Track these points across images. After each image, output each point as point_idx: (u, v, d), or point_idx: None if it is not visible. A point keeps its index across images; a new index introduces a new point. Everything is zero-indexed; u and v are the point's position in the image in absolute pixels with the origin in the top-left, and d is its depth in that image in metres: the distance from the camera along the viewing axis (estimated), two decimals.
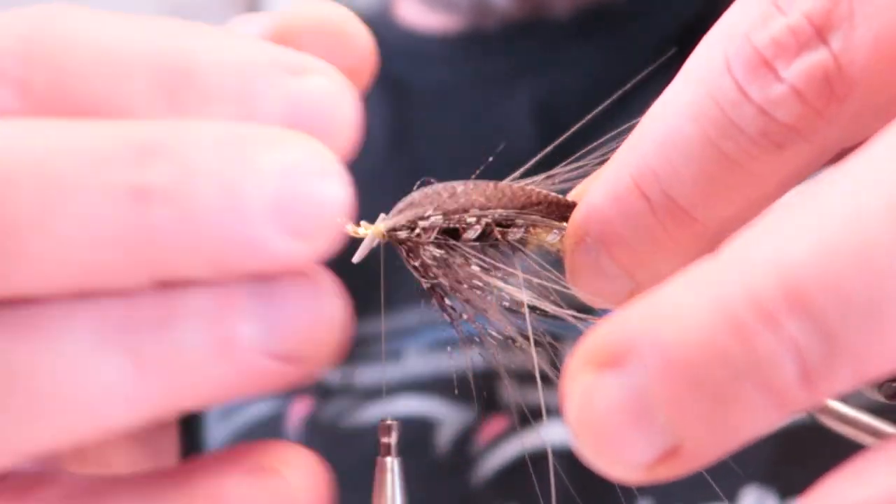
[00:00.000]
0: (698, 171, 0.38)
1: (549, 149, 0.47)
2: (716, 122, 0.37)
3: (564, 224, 0.47)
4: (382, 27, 0.97)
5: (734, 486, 0.73)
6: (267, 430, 0.82)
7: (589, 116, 0.47)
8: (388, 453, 0.48)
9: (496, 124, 0.86)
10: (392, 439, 0.48)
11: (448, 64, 0.94)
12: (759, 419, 0.30)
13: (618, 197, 0.40)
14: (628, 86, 0.49)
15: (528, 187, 0.48)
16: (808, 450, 0.73)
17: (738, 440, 0.31)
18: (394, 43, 0.95)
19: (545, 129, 0.88)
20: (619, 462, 0.32)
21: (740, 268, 0.30)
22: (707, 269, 0.30)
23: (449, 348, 0.80)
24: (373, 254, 0.52)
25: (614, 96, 0.49)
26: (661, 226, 0.39)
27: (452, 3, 0.92)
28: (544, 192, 0.49)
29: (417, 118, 0.93)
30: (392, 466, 0.48)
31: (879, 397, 0.50)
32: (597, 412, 0.31)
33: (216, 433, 0.85)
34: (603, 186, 0.41)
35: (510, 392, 0.78)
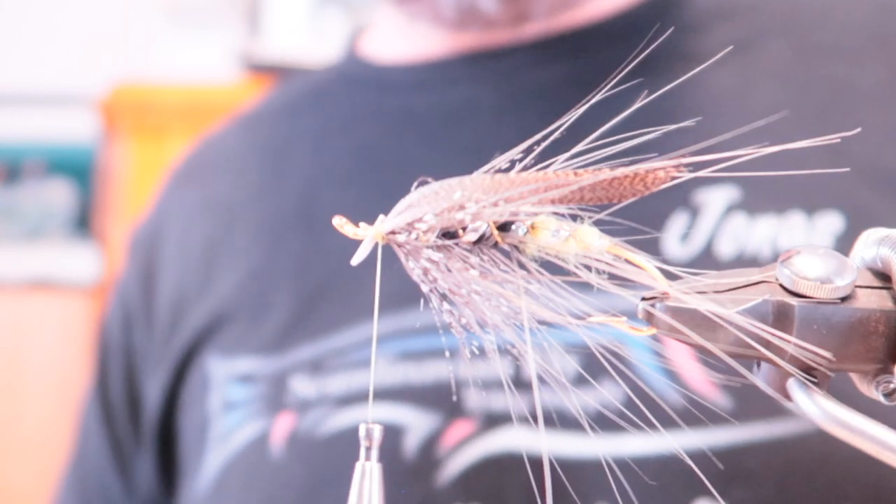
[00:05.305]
0: None
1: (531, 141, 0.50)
2: None
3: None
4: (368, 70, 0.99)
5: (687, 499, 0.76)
6: (255, 452, 0.85)
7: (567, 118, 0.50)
8: (367, 458, 0.49)
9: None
10: (373, 443, 0.49)
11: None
12: None
13: None
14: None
15: (529, 173, 0.48)
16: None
17: None
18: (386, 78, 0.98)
19: None
20: None
21: None
22: None
23: (415, 359, 0.83)
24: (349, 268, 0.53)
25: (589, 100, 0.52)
26: None
27: (439, 12, 0.92)
28: (548, 173, 0.49)
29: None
30: (370, 471, 0.49)
31: (879, 397, 0.50)
32: None
33: (211, 460, 0.88)
34: None
35: (476, 398, 0.81)
